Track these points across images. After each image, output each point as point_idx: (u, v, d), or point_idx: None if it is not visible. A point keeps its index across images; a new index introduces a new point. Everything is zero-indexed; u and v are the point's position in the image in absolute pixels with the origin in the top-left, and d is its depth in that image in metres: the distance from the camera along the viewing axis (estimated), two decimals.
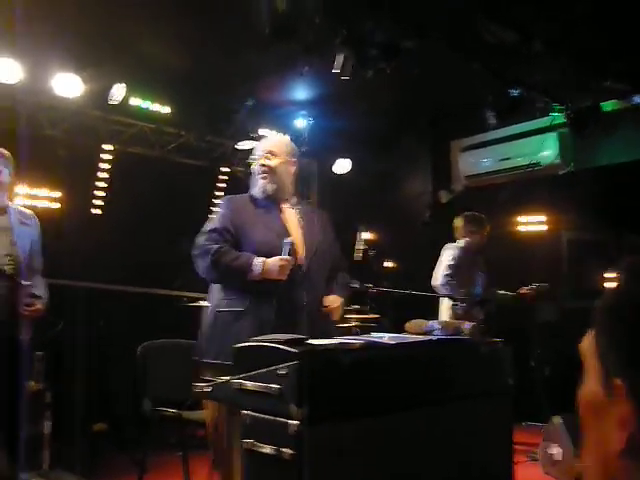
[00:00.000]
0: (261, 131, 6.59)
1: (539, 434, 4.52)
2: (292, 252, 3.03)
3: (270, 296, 2.98)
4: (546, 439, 4.22)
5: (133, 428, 4.47)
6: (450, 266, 5.20)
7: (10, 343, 3.47)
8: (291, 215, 3.24)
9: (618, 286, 0.73)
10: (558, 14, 4.19)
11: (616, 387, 0.68)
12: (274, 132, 6.50)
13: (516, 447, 3.04)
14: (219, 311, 3.06)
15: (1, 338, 3.44)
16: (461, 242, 5.36)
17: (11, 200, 3.83)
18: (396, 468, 2.26)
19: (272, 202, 3.22)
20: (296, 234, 3.16)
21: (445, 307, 5.26)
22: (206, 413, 3.10)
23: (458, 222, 5.41)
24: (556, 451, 4.07)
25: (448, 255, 5.28)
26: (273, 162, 3.24)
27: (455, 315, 5.13)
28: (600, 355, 0.72)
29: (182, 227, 6.12)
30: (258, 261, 2.98)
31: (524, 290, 5.40)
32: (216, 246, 3.02)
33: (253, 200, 3.24)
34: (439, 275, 5.20)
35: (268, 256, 2.99)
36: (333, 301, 3.20)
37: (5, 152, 3.69)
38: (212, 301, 3.18)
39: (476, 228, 5.35)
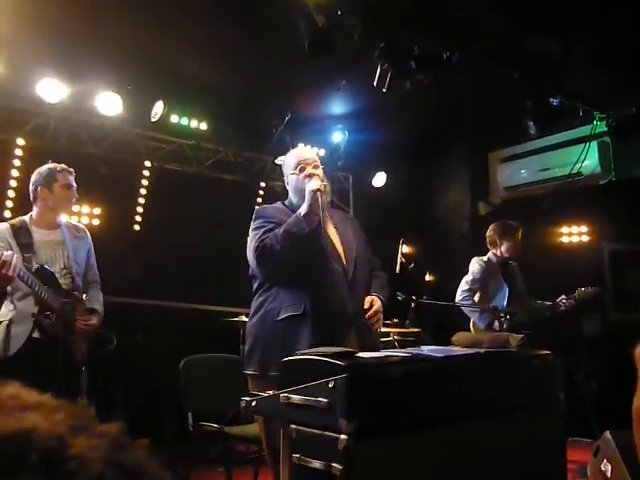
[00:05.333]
0: (299, 146, 6.61)
1: (585, 450, 4.41)
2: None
3: (321, 300, 3.02)
4: (597, 455, 4.10)
5: (176, 443, 4.47)
6: (467, 282, 5.24)
7: (64, 359, 3.49)
8: (327, 222, 3.28)
9: None
10: (600, 22, 4.13)
11: None
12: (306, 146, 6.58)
13: None
14: (276, 320, 3.06)
15: (56, 354, 3.46)
16: (485, 256, 5.37)
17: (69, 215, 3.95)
18: None
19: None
20: (336, 241, 3.23)
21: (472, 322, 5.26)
22: (257, 427, 3.09)
23: (487, 233, 5.42)
24: (607, 468, 3.95)
25: (469, 270, 5.30)
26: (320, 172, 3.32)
27: (477, 330, 5.13)
28: None
29: (220, 242, 6.19)
30: (301, 207, 3.11)
31: (561, 299, 5.33)
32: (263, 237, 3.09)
33: (288, 208, 3.30)
34: (458, 291, 5.23)
35: (312, 265, 3.05)
36: (372, 301, 3.19)
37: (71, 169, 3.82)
38: (258, 312, 3.17)
39: (503, 236, 5.33)
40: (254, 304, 3.22)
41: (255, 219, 3.26)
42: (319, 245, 3.11)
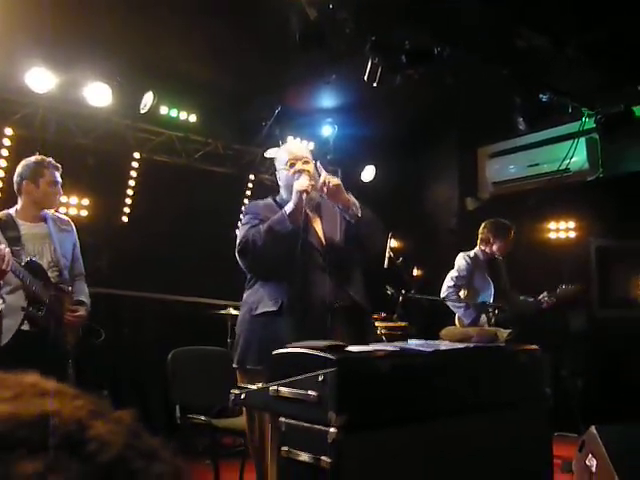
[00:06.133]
0: (288, 139, 6.62)
1: (571, 445, 4.44)
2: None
3: (300, 296, 3.00)
4: (582, 450, 4.13)
5: (163, 435, 4.46)
6: (452, 278, 5.24)
7: (55, 352, 3.48)
8: (313, 217, 3.29)
9: None
10: (590, 19, 4.15)
11: None
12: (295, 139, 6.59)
13: None
14: (254, 315, 3.08)
15: (47, 347, 3.45)
16: (472, 252, 5.38)
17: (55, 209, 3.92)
18: (435, 477, 2.23)
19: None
20: (320, 234, 3.22)
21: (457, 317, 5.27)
22: (243, 420, 3.10)
23: (480, 230, 5.43)
24: (592, 463, 3.98)
25: (455, 266, 5.30)
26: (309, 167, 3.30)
27: (462, 325, 5.15)
28: None
29: (209, 234, 6.18)
30: (287, 205, 3.10)
31: (543, 297, 5.36)
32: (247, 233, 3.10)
33: (277, 203, 3.31)
34: (444, 287, 5.23)
35: (293, 260, 3.00)
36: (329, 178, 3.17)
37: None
38: (244, 306, 3.21)
39: (496, 235, 5.33)
40: (243, 298, 3.26)
41: (244, 214, 3.30)
42: (302, 241, 3.08)
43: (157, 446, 0.45)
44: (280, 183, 3.36)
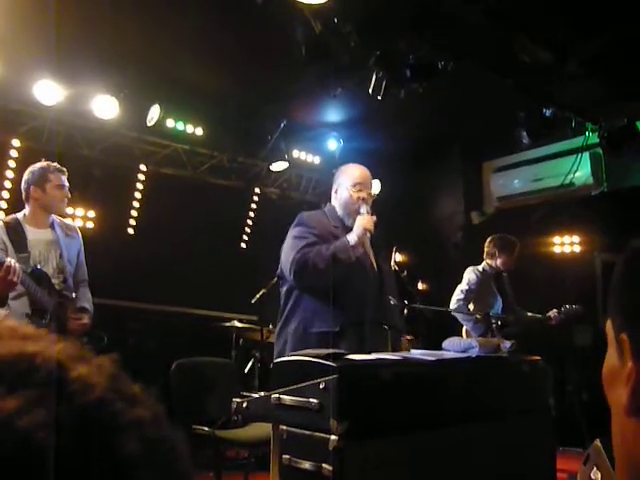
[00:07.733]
0: (294, 153, 6.65)
1: (577, 459, 4.41)
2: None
3: (359, 318, 3.07)
4: (587, 463, 4.11)
5: None
6: (463, 291, 5.24)
7: None
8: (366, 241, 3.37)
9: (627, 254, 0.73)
10: (593, 34, 4.17)
11: (622, 342, 0.66)
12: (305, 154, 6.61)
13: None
14: (310, 332, 3.09)
15: None
16: (480, 266, 5.38)
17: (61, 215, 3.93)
18: None
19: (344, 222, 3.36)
20: (372, 257, 3.35)
21: (464, 330, 5.28)
22: (249, 432, 3.11)
23: (486, 244, 5.45)
24: (597, 476, 3.96)
25: (464, 279, 5.31)
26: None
27: (469, 337, 5.15)
28: (611, 318, 0.70)
29: (214, 247, 6.20)
30: (350, 234, 3.15)
31: (553, 313, 5.35)
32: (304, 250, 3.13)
33: (329, 216, 3.39)
34: (453, 299, 5.24)
35: (351, 281, 3.11)
36: None
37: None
38: (291, 318, 3.20)
39: (501, 250, 5.35)
40: (285, 308, 3.25)
41: (296, 225, 3.28)
42: (360, 264, 3.18)
43: (138, 391, 0.46)
44: (337, 198, 3.42)
